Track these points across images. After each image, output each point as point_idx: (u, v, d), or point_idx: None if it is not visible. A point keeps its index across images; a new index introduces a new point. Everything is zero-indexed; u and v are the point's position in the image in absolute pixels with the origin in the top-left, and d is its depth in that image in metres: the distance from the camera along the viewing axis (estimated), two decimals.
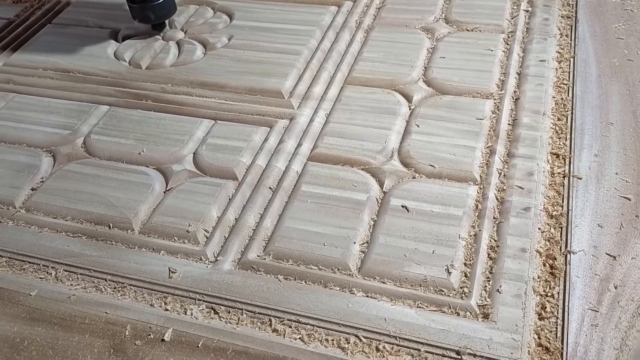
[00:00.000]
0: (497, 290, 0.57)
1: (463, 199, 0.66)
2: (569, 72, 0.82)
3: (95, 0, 1.07)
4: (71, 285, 0.62)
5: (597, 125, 0.74)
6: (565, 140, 0.72)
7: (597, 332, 0.53)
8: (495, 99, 0.79)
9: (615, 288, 0.57)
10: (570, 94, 0.78)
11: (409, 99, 0.80)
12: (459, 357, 0.53)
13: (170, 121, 0.80)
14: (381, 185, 0.69)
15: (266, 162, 0.73)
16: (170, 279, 0.61)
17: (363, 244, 0.63)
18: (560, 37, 0.88)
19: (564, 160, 0.70)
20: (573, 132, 0.73)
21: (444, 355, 0.53)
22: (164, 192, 0.71)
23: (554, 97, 0.78)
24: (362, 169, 0.71)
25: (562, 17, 0.93)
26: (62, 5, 1.07)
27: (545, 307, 0.56)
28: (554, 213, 0.64)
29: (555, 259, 0.59)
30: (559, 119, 0.75)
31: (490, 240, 0.62)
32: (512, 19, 0.93)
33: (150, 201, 0.70)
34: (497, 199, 0.66)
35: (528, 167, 0.68)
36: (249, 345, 0.55)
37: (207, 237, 0.65)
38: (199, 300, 0.59)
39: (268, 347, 0.55)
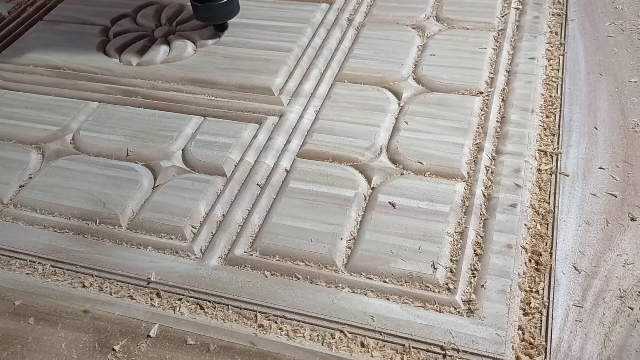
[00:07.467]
0: (482, 286, 0.57)
1: (450, 195, 0.66)
2: (558, 70, 0.82)
3: None
4: (57, 281, 0.62)
5: (585, 123, 0.74)
6: (553, 137, 0.72)
7: (581, 327, 0.54)
8: (484, 96, 0.79)
9: (600, 284, 0.57)
10: (559, 92, 0.78)
11: (398, 96, 0.80)
12: (443, 352, 0.53)
13: (159, 117, 0.80)
14: (369, 181, 0.69)
15: (255, 159, 0.73)
16: (158, 276, 0.61)
17: (350, 240, 0.63)
18: (550, 35, 0.88)
19: (552, 157, 0.70)
20: (561, 129, 0.73)
21: (428, 351, 0.53)
22: (152, 188, 0.71)
23: (542, 95, 0.78)
24: (351, 166, 0.71)
25: (552, 14, 0.93)
26: (54, 2, 1.07)
27: (530, 303, 0.56)
28: (541, 210, 0.64)
29: (540, 255, 0.60)
30: (547, 117, 0.75)
31: (477, 237, 0.62)
32: (503, 16, 0.93)
33: (138, 197, 0.69)
34: (484, 195, 0.66)
35: (515, 164, 0.69)
36: (234, 340, 0.55)
37: (194, 233, 0.65)
38: (185, 296, 0.59)
39: (253, 342, 0.55)
